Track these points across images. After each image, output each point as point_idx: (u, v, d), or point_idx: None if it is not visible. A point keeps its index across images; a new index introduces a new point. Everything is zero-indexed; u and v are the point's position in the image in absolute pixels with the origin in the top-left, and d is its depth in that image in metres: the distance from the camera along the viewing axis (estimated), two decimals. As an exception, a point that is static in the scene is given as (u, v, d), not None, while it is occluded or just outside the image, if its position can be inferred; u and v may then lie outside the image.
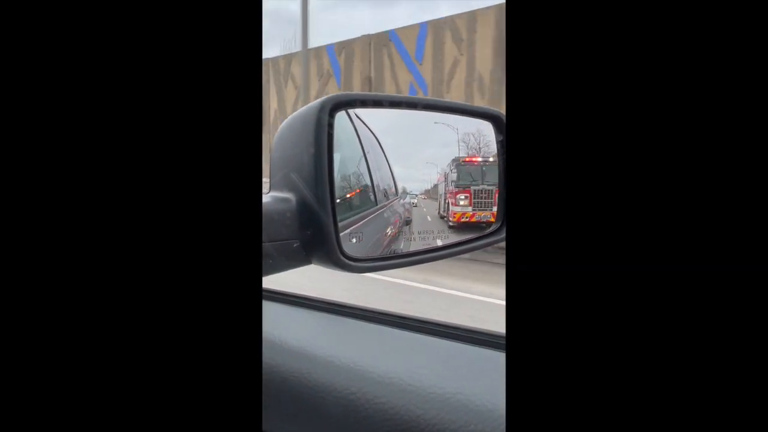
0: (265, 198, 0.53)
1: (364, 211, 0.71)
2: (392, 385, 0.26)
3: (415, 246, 0.63)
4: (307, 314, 0.37)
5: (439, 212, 0.79)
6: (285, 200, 0.52)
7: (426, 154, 0.83)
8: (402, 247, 0.69)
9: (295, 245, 0.52)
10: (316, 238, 0.51)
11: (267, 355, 0.32)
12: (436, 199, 0.79)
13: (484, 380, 0.28)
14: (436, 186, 0.79)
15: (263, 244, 0.50)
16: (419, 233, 0.65)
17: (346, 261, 0.51)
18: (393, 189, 0.82)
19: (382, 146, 0.76)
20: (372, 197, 0.76)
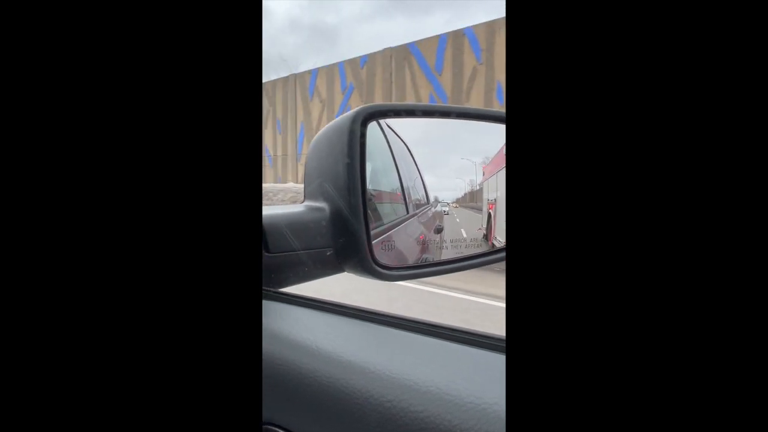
0: (300, 207, 0.55)
1: (396, 219, 0.71)
2: (428, 393, 0.26)
3: (447, 255, 0.63)
4: (341, 321, 0.38)
5: (484, 230, 0.66)
6: (319, 209, 0.53)
7: (456, 163, 0.82)
8: (433, 255, 0.69)
9: (328, 253, 0.53)
10: (349, 246, 0.51)
11: (304, 361, 0.32)
12: (475, 207, 0.70)
13: None
14: (469, 193, 0.76)
15: (298, 252, 0.51)
16: (451, 242, 0.64)
17: (379, 269, 0.51)
18: (424, 198, 0.81)
19: (413, 155, 0.76)
20: (403, 206, 0.76)
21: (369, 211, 0.54)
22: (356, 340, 0.34)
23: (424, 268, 0.58)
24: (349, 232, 0.51)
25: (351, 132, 0.51)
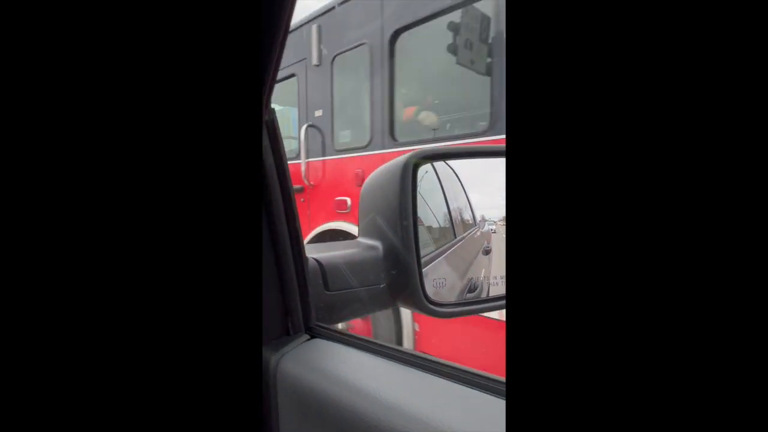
0: (355, 246, 0.58)
1: (445, 244, 0.73)
2: None
3: (496, 291, 0.64)
4: (403, 370, 0.40)
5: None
6: (373, 248, 0.57)
7: (502, 182, 0.82)
8: (482, 278, 0.70)
9: (381, 289, 0.56)
10: (402, 284, 0.54)
11: (370, 410, 0.35)
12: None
13: None
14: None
15: (356, 289, 0.55)
16: (502, 277, 0.65)
17: (431, 306, 0.54)
18: (471, 218, 0.83)
19: (458, 175, 0.77)
20: (451, 230, 0.78)
21: (420, 244, 0.57)
22: (416, 391, 0.37)
23: (474, 305, 0.60)
24: (402, 271, 0.54)
25: (403, 177, 0.54)
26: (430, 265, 0.63)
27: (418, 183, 0.59)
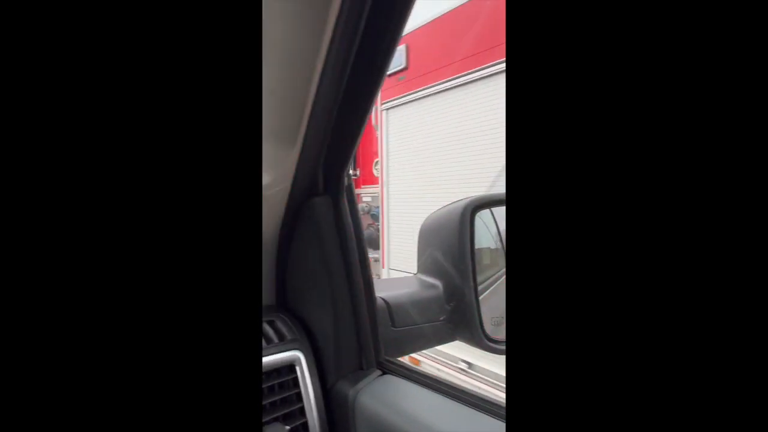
0: (416, 284, 0.63)
1: (498, 271, 0.76)
2: None
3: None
4: (471, 414, 0.44)
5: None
6: (433, 286, 0.61)
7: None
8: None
9: (442, 323, 0.61)
10: (462, 321, 0.59)
11: None
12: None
13: None
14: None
15: (420, 325, 0.59)
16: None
17: (489, 344, 0.58)
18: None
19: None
20: (501, 254, 0.81)
21: (477, 284, 0.61)
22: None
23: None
24: (462, 310, 0.58)
25: (462, 222, 0.58)
26: (485, 294, 0.67)
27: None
